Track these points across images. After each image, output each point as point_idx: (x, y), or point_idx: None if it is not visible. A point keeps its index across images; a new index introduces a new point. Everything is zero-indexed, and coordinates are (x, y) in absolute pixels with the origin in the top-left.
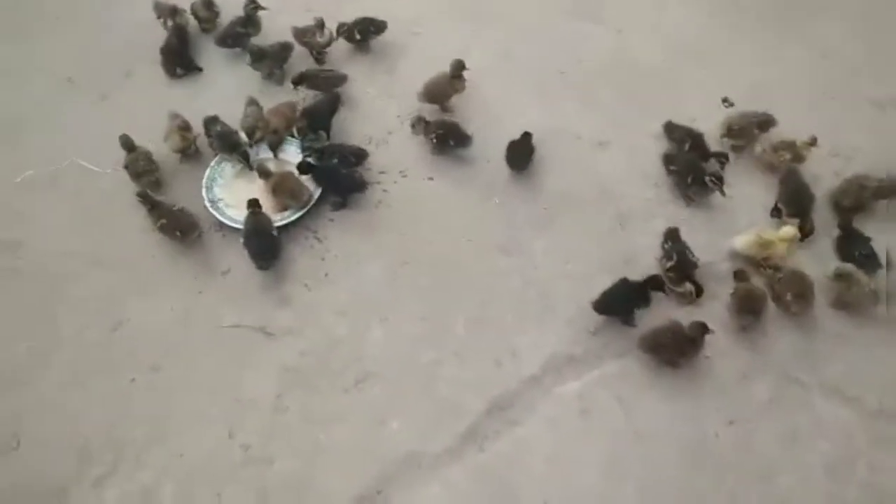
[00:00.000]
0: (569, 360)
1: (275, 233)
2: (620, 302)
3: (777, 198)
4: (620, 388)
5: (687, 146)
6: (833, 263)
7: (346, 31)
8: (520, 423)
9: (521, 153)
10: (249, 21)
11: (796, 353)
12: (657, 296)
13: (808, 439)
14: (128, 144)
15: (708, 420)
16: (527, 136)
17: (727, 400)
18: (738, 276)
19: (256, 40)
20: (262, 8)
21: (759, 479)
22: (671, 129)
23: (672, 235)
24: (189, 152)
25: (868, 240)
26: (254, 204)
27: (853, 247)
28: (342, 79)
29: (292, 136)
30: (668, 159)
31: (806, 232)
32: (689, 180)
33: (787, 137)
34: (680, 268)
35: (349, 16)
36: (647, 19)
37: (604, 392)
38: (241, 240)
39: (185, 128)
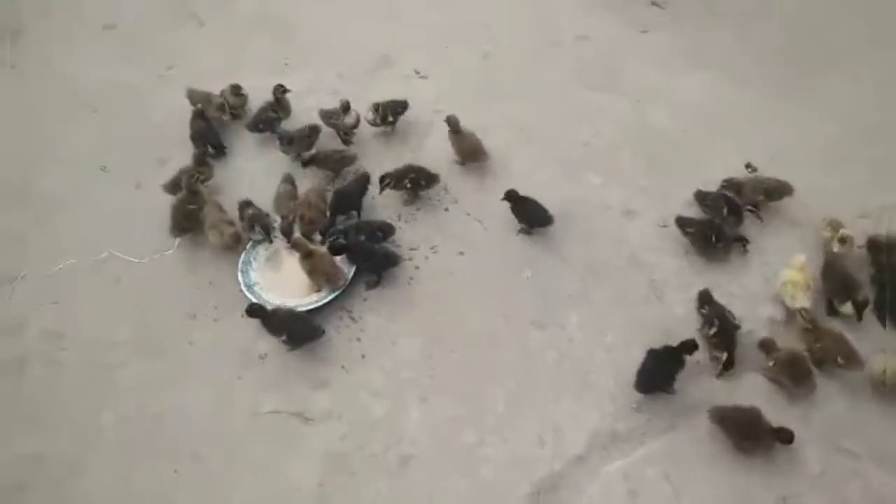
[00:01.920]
0: (613, 438)
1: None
2: (660, 376)
3: (826, 294)
4: (668, 465)
5: (725, 211)
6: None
7: (380, 111)
8: None
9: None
10: (279, 104)
11: (842, 420)
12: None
13: None
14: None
15: (760, 498)
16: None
17: (777, 474)
18: (765, 345)
19: (285, 121)
20: (288, 90)
21: None
22: (703, 197)
23: (706, 298)
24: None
25: None
26: None
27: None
28: (352, 158)
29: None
30: (682, 222)
31: (861, 308)
32: (714, 239)
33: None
34: (723, 333)
35: (373, 97)
36: (663, 87)
37: (651, 470)
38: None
39: (230, 222)
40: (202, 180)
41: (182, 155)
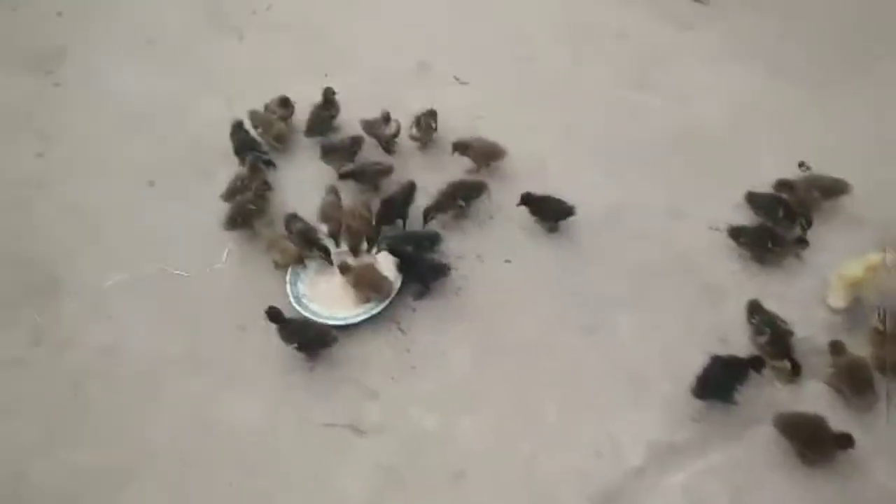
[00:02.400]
0: (671, 449)
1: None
2: (721, 384)
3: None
4: (729, 478)
5: (781, 213)
6: None
7: (421, 123)
8: None
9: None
10: (330, 104)
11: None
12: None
13: None
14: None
15: None
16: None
17: (847, 487)
18: (835, 348)
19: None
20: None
21: None
22: (754, 199)
23: (755, 308)
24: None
25: None
26: None
27: None
28: (388, 170)
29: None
30: (735, 233)
31: None
32: (770, 245)
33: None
34: (777, 340)
35: (413, 105)
36: (708, 84)
37: (713, 483)
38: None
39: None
40: (267, 187)
41: (227, 167)
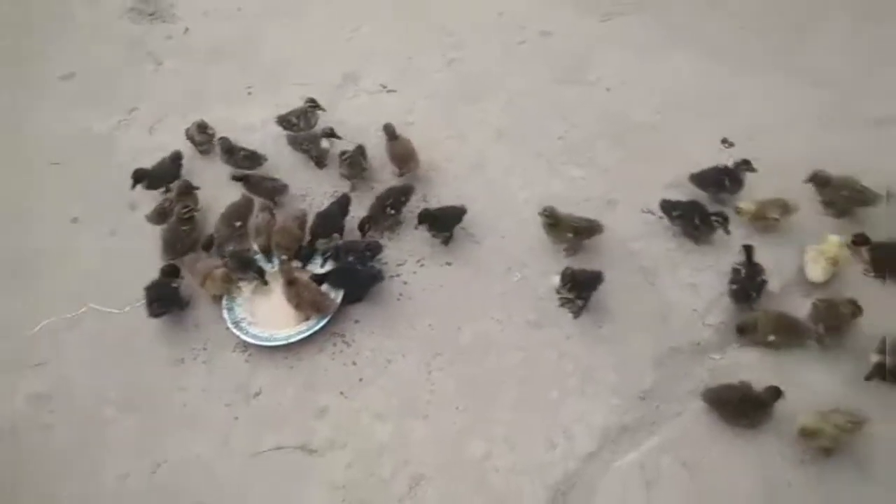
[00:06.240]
0: (623, 430)
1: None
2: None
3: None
4: (681, 450)
5: (727, 182)
6: None
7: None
8: None
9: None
10: (304, 117)
11: (842, 387)
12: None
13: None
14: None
15: (776, 467)
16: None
17: (791, 441)
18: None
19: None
20: (322, 109)
21: None
22: (699, 178)
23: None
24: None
25: None
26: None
27: None
28: (283, 189)
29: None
30: (667, 206)
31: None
32: (697, 221)
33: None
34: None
35: (342, 117)
36: (634, 73)
37: (665, 458)
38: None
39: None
40: (192, 210)
41: (152, 198)
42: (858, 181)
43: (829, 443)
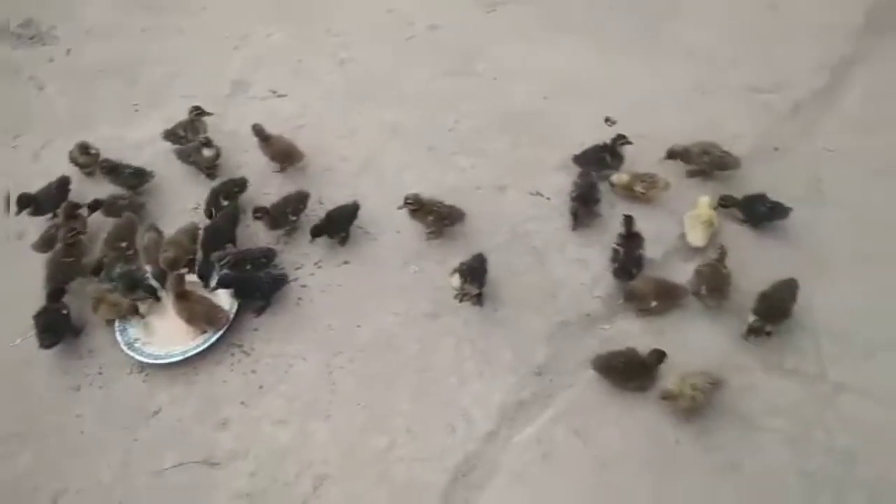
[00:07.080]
0: (519, 406)
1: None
2: None
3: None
4: (574, 420)
5: (609, 159)
6: None
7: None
8: (486, 485)
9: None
10: (191, 126)
11: (723, 344)
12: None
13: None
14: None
15: (664, 427)
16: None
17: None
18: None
19: None
20: (208, 113)
21: (730, 469)
22: (581, 158)
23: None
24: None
25: None
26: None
27: None
28: (140, 206)
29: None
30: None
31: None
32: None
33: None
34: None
35: (233, 126)
36: (519, 60)
37: (560, 429)
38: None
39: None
40: (78, 233)
41: (39, 225)
42: (719, 146)
43: (687, 403)
